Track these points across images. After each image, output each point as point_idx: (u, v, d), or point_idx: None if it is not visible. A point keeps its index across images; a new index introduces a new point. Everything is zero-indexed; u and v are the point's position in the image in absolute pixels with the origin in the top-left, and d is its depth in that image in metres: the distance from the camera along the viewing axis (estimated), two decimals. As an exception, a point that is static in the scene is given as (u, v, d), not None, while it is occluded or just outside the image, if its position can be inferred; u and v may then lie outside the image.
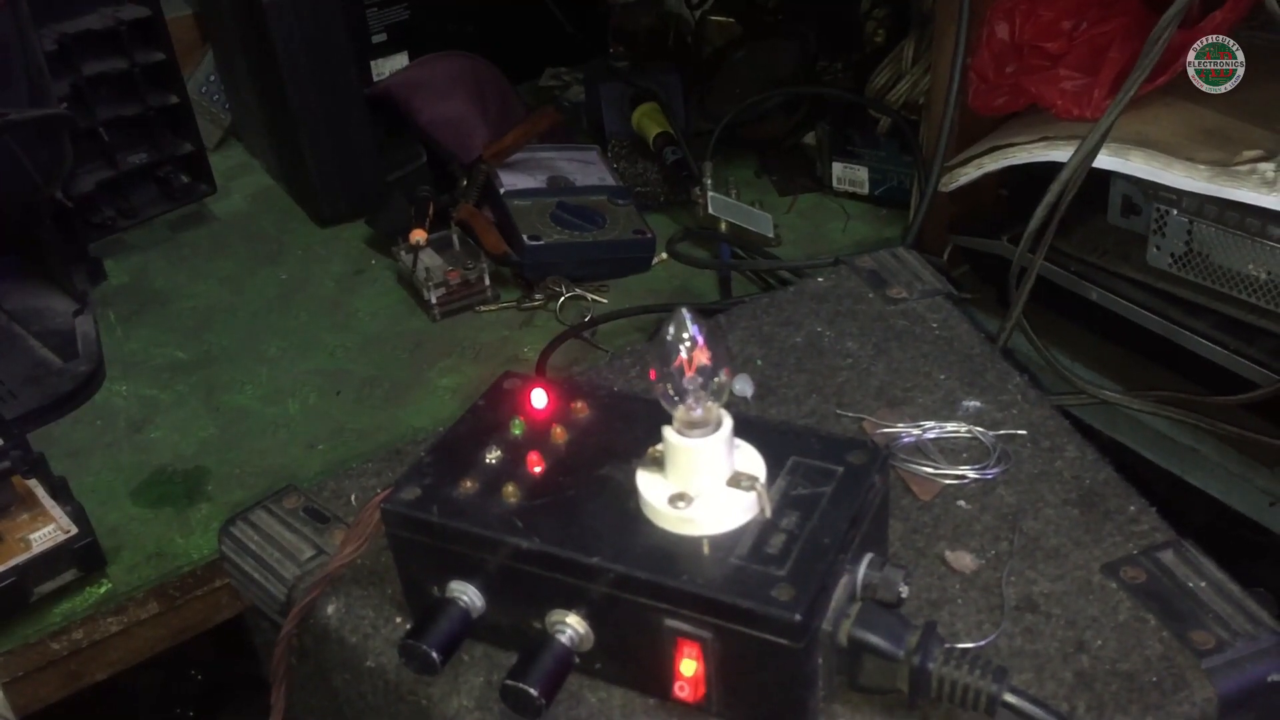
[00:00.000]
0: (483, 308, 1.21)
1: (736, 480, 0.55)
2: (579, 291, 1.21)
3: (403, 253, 1.23)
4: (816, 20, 1.41)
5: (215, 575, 0.94)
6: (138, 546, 0.97)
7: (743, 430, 0.58)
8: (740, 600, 0.51)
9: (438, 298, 1.20)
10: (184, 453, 1.06)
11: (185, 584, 0.96)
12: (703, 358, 0.54)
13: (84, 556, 0.92)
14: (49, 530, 0.91)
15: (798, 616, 0.50)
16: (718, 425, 0.55)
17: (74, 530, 0.92)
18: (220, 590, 0.95)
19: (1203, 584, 0.61)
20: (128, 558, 0.96)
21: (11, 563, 0.89)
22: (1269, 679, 0.57)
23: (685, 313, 0.54)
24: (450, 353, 1.17)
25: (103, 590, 0.94)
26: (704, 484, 0.55)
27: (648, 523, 0.56)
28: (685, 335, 0.54)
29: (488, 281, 1.21)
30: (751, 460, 0.58)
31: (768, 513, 0.55)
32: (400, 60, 1.36)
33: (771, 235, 1.27)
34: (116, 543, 0.97)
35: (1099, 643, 0.59)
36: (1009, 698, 0.52)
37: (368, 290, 1.26)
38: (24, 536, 0.90)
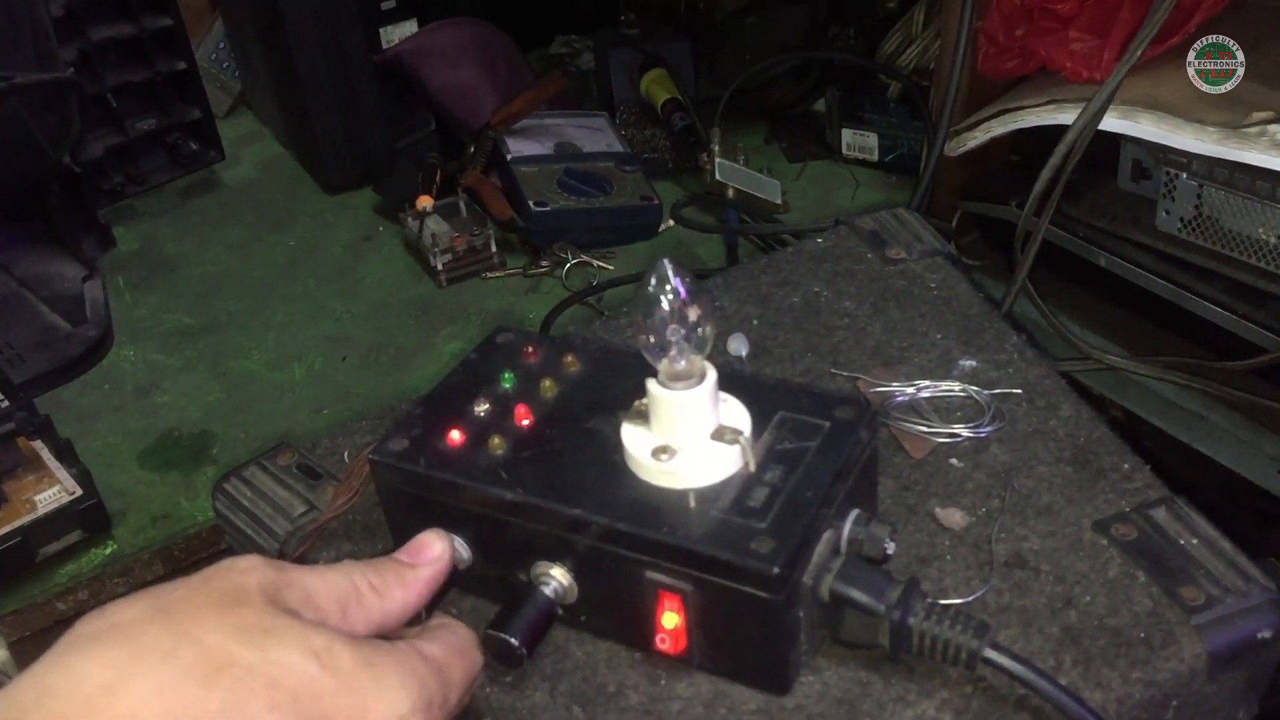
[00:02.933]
0: (489, 274, 1.21)
1: (720, 434, 0.55)
2: (585, 258, 1.21)
3: (410, 219, 1.23)
4: (827, -15, 1.40)
5: (220, 538, 0.94)
6: (143, 509, 0.98)
7: (730, 385, 0.58)
8: (719, 552, 0.51)
9: (444, 264, 1.20)
10: (190, 417, 1.07)
11: (190, 546, 0.96)
12: (685, 309, 0.53)
13: (89, 518, 0.93)
14: (54, 492, 0.92)
15: (776, 569, 0.50)
16: (701, 377, 0.55)
17: (79, 492, 0.92)
18: (225, 553, 0.95)
19: (1194, 541, 0.60)
20: (133, 520, 0.97)
21: (17, 523, 0.90)
22: (1259, 636, 0.56)
23: (667, 264, 0.54)
24: (456, 319, 1.17)
25: (108, 551, 0.95)
26: (687, 437, 0.55)
27: (631, 475, 0.56)
28: (667, 286, 0.53)
29: (494, 248, 1.22)
30: (737, 414, 0.57)
31: (752, 466, 0.55)
32: (409, 27, 1.36)
33: (779, 202, 1.26)
34: (123, 505, 0.98)
35: (1088, 598, 0.58)
36: (989, 653, 0.51)
37: (375, 257, 1.27)
38: (29, 498, 0.91)
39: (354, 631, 0.46)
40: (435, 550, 0.52)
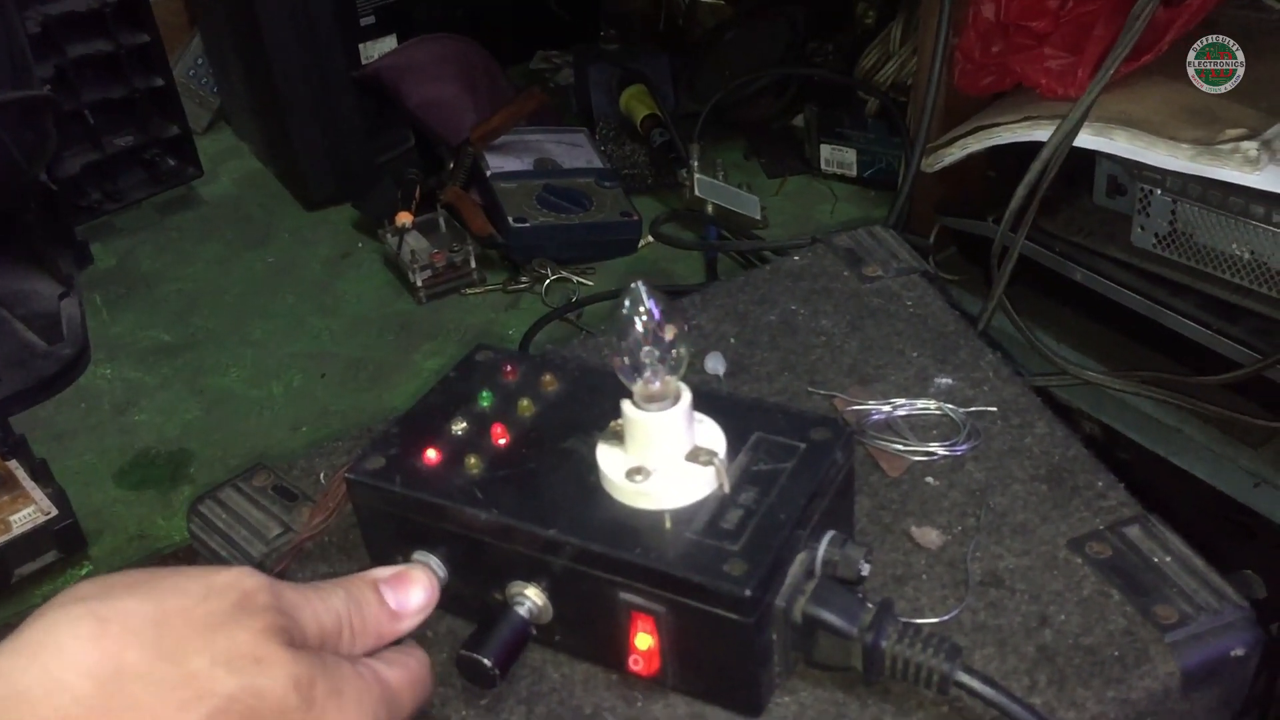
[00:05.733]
0: (468, 290, 1.21)
1: (695, 455, 0.55)
2: (565, 274, 1.21)
3: (389, 235, 1.23)
4: (806, 2, 1.41)
5: (197, 557, 0.94)
6: (120, 528, 0.98)
7: (706, 405, 0.58)
8: (692, 574, 0.51)
9: (424, 280, 1.20)
10: (168, 435, 1.07)
11: (167, 566, 0.96)
12: (659, 331, 0.53)
13: (65, 538, 0.93)
14: (29, 512, 0.92)
15: (748, 591, 0.50)
16: (676, 399, 0.55)
17: (54, 512, 0.92)
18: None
19: (1168, 559, 0.60)
20: (110, 540, 0.97)
21: (-9, 544, 0.89)
22: (1232, 653, 0.57)
23: (641, 286, 0.54)
24: (436, 335, 1.17)
25: (84, 572, 0.94)
26: (662, 458, 0.55)
27: (606, 496, 0.55)
28: (641, 308, 0.53)
29: (474, 264, 1.22)
30: (712, 435, 0.57)
31: (726, 488, 0.55)
32: (389, 43, 1.36)
33: (759, 217, 1.26)
34: (99, 525, 0.98)
35: (1062, 617, 0.58)
36: (961, 677, 0.51)
37: (354, 273, 1.27)
38: (4, 518, 0.91)
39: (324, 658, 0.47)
40: (419, 603, 0.54)
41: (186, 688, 0.42)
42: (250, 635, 0.44)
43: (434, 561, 0.58)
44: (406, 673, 0.51)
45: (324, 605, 0.49)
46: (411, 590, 0.53)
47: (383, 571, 0.54)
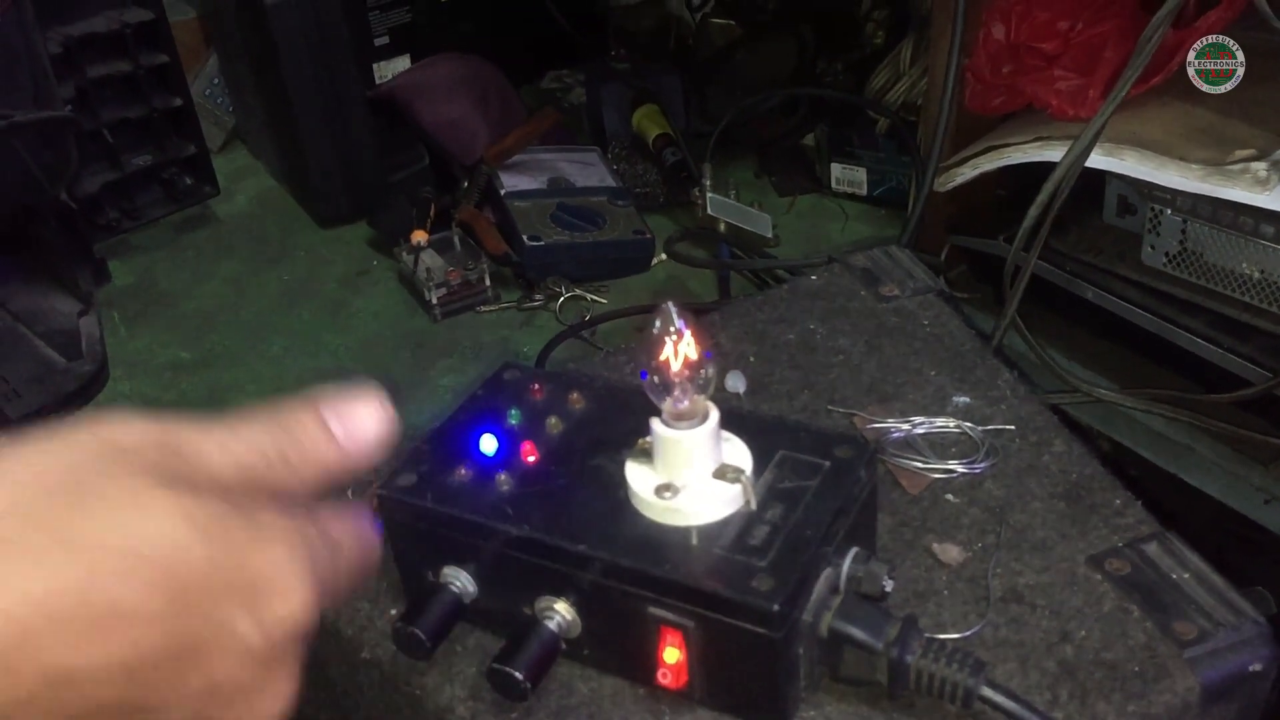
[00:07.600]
0: (483, 308, 1.22)
1: (722, 472, 0.56)
2: (579, 292, 1.22)
3: (404, 254, 1.24)
4: (816, 21, 1.42)
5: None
6: (140, 544, 0.98)
7: (732, 424, 0.59)
8: (720, 589, 0.52)
9: (439, 298, 1.21)
10: (186, 451, 1.07)
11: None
12: (689, 351, 0.54)
13: (86, 553, 0.93)
14: (51, 528, 0.92)
15: (776, 606, 0.51)
16: (704, 417, 0.55)
17: (75, 528, 0.92)
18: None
19: (1186, 575, 0.61)
20: (130, 555, 0.97)
21: (14, 559, 0.90)
22: (1250, 669, 0.57)
23: (671, 306, 0.55)
24: (451, 353, 1.18)
25: (105, 586, 0.95)
26: (690, 475, 0.56)
27: (635, 512, 0.56)
28: (671, 328, 0.54)
29: (488, 282, 1.23)
30: (739, 453, 0.58)
31: (753, 504, 0.56)
32: (402, 63, 1.37)
33: (770, 236, 1.27)
34: (119, 541, 0.98)
35: (1083, 633, 0.59)
36: (986, 691, 0.52)
37: (370, 291, 1.28)
38: (27, 533, 0.91)
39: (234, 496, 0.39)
40: (370, 430, 0.42)
41: (65, 550, 0.34)
42: (124, 482, 0.36)
43: (464, 577, 0.59)
44: (352, 524, 0.42)
45: (233, 436, 0.40)
46: (359, 412, 0.42)
47: (326, 395, 0.43)
